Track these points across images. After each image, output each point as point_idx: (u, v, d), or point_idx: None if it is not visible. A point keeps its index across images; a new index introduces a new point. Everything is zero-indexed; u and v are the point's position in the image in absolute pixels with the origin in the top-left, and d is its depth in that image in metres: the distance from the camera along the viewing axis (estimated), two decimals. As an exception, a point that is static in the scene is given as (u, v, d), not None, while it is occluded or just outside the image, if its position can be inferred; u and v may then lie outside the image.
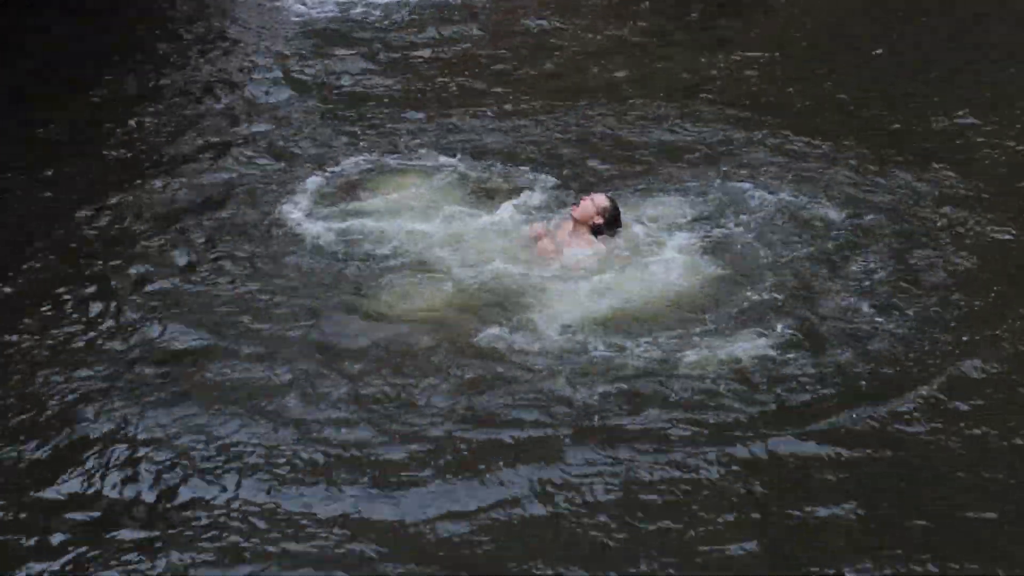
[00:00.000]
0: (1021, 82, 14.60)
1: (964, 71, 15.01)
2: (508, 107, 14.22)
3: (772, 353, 9.81)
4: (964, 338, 9.91)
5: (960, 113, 13.77)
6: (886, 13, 16.80)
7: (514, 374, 9.69)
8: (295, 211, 12.01)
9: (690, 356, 9.83)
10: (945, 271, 10.79)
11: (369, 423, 9.23)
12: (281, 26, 16.74)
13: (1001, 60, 15.17)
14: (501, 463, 8.76)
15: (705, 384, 9.52)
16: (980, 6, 16.59)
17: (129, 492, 8.59)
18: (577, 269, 10.80)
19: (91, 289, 10.89)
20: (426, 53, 15.82)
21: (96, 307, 10.57)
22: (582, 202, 10.91)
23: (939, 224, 11.53)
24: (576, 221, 10.98)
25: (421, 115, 14.20)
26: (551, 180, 12.46)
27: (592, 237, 11.07)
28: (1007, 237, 11.35)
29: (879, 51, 15.51)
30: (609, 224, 10.97)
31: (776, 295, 10.54)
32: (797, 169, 12.65)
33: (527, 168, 12.75)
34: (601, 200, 11.00)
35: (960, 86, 14.61)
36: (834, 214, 11.73)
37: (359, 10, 17.13)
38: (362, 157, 13.18)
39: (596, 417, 9.29)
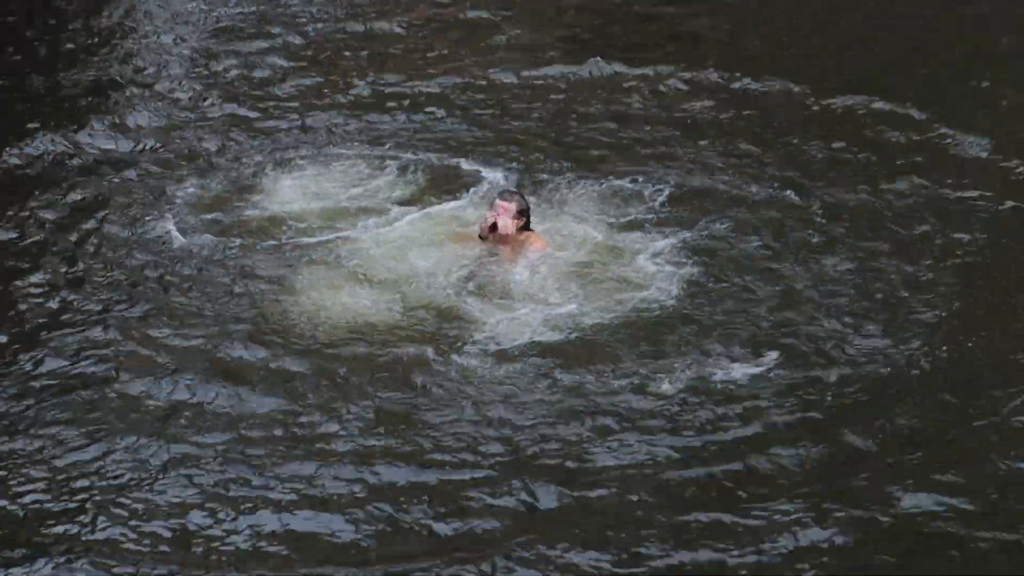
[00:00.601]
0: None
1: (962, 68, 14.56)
2: (447, 99, 13.67)
3: (753, 381, 9.17)
4: (946, 347, 9.56)
5: (953, 110, 13.28)
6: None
7: (442, 405, 9.02)
8: (183, 220, 11.23)
9: (662, 384, 9.17)
10: (929, 277, 10.39)
11: (273, 460, 8.55)
12: (193, 17, 15.84)
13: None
14: (418, 512, 8.11)
15: (671, 412, 8.90)
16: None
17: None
18: (536, 273, 10.30)
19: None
20: (353, 46, 15.07)
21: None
22: (495, 218, 10.44)
23: (923, 227, 11.16)
24: (507, 238, 10.51)
25: (344, 110, 13.50)
26: (495, 173, 11.90)
27: (532, 235, 10.58)
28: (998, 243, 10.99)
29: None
30: (528, 214, 10.57)
31: (757, 311, 9.95)
32: (773, 162, 12.25)
33: (467, 160, 12.19)
34: (509, 205, 10.50)
35: (954, 81, 14.12)
36: (813, 209, 11.32)
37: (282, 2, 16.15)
38: (278, 153, 12.52)
39: (534, 451, 8.61)
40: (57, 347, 9.66)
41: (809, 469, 8.37)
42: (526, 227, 10.56)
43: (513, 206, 10.52)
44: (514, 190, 10.99)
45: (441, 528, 7.98)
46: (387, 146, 12.43)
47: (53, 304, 10.20)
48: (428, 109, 13.35)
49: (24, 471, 8.46)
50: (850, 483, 8.28)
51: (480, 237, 10.54)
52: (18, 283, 10.49)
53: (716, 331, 9.71)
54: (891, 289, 10.23)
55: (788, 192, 11.57)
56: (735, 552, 7.78)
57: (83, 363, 9.48)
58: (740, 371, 9.22)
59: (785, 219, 11.18)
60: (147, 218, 11.30)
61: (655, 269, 10.38)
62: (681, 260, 10.48)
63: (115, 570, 7.71)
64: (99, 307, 10.17)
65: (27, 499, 8.25)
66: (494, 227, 10.46)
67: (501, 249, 10.47)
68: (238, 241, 10.89)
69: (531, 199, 11.07)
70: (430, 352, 9.44)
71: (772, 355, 9.34)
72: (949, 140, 12.58)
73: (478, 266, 10.40)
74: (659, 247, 10.65)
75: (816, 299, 10.08)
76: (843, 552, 7.76)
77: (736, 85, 13.81)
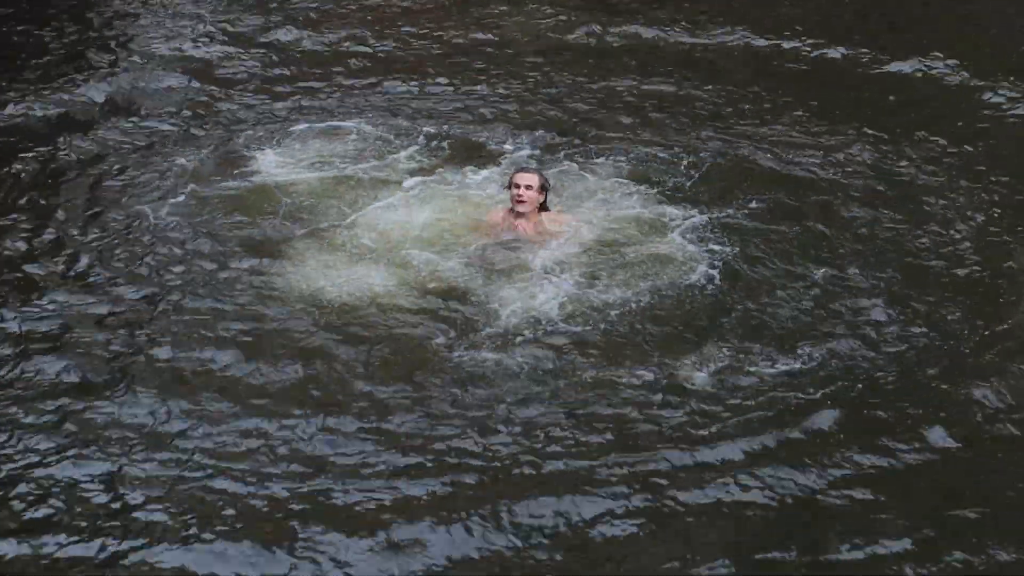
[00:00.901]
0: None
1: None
2: (460, 64, 13.58)
3: (790, 376, 8.75)
4: (1001, 342, 9.12)
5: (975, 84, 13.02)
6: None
7: (448, 399, 8.56)
8: (178, 191, 10.94)
9: (693, 377, 8.74)
10: (980, 263, 10.05)
11: (269, 453, 8.14)
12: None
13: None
14: (414, 521, 7.63)
15: (702, 409, 8.43)
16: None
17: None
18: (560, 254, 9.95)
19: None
20: (360, 11, 15.04)
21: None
22: (522, 193, 10.07)
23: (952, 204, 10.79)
24: (526, 215, 10.15)
25: (351, 77, 13.26)
26: (516, 143, 11.68)
27: (552, 213, 10.26)
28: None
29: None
30: (548, 189, 10.32)
31: (795, 297, 9.58)
32: (817, 136, 11.99)
33: (484, 130, 11.95)
34: (532, 178, 10.12)
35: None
36: (856, 188, 10.99)
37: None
38: (280, 123, 12.23)
39: (549, 451, 8.12)
40: (39, 322, 9.32)
41: (853, 468, 7.97)
42: (544, 206, 10.19)
43: (536, 178, 10.14)
44: (533, 165, 10.69)
45: (435, 539, 7.49)
46: (399, 116, 12.22)
47: (36, 272, 9.91)
48: (442, 75, 13.17)
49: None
50: (898, 483, 7.88)
51: (511, 216, 10.17)
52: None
53: (752, 320, 9.32)
54: (939, 275, 9.85)
55: (831, 169, 11.29)
56: (784, 559, 7.37)
57: (65, 341, 9.13)
58: (777, 365, 8.75)
59: (829, 198, 10.88)
60: (136, 187, 11.05)
61: (687, 249, 10.02)
62: (716, 240, 10.16)
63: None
64: (81, 280, 9.86)
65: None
66: (519, 212, 10.16)
67: (521, 230, 10.08)
68: (234, 216, 10.56)
69: (553, 171, 10.74)
70: (438, 340, 9.03)
71: (808, 348, 8.88)
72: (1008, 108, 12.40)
73: (494, 247, 10.01)
74: (693, 224, 10.31)
75: (859, 286, 9.69)
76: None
77: (774, 51, 13.67)
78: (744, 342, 9.01)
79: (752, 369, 8.72)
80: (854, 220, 10.52)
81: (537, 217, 10.03)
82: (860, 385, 8.61)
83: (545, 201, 10.13)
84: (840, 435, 8.21)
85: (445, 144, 11.53)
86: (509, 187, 10.11)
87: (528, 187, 10.02)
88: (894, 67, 13.30)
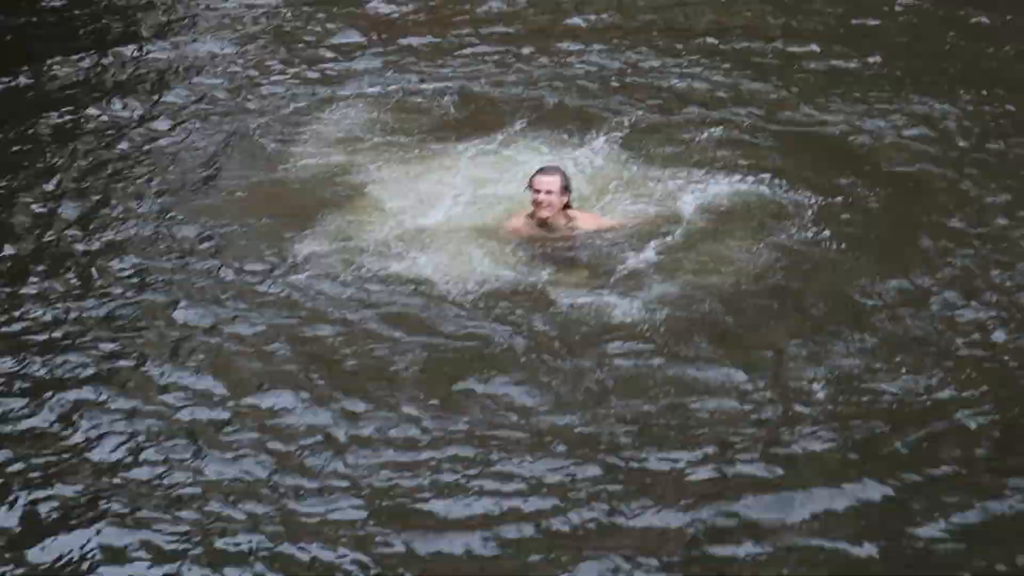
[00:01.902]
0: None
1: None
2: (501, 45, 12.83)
3: (911, 397, 7.85)
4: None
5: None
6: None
7: (503, 396, 8.03)
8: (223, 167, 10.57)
9: (807, 391, 7.88)
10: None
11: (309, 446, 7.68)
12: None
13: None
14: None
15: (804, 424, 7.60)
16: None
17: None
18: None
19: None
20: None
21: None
22: (541, 198, 9.55)
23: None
24: (550, 219, 9.68)
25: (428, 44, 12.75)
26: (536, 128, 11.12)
27: (580, 214, 9.75)
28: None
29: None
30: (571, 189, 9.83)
31: (925, 310, 8.66)
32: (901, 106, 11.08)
33: (509, 109, 11.38)
34: (553, 181, 9.51)
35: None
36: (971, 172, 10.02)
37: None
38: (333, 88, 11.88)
39: (619, 455, 7.52)
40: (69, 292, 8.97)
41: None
42: (570, 205, 9.70)
43: (557, 180, 9.58)
44: (553, 164, 10.04)
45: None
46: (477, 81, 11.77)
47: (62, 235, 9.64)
48: (528, 41, 12.63)
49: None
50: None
51: (539, 225, 9.64)
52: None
53: (871, 329, 8.43)
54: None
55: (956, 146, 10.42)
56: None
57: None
58: (900, 381, 7.90)
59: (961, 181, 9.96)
60: (164, 165, 10.67)
61: (775, 239, 9.36)
62: (811, 227, 9.41)
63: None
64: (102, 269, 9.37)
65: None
66: (544, 222, 9.65)
67: (549, 234, 9.60)
68: (269, 197, 10.10)
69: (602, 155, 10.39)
70: (493, 338, 8.44)
71: (939, 368, 7.98)
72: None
73: (544, 248, 9.54)
74: (778, 209, 9.66)
75: (994, 299, 8.68)
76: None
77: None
78: (864, 352, 8.15)
79: (873, 385, 7.88)
80: (987, 211, 9.43)
81: (565, 218, 9.54)
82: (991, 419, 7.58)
83: (569, 201, 9.59)
84: (963, 472, 7.30)
85: (530, 117, 11.02)
86: (531, 189, 9.60)
87: (548, 192, 9.49)
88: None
